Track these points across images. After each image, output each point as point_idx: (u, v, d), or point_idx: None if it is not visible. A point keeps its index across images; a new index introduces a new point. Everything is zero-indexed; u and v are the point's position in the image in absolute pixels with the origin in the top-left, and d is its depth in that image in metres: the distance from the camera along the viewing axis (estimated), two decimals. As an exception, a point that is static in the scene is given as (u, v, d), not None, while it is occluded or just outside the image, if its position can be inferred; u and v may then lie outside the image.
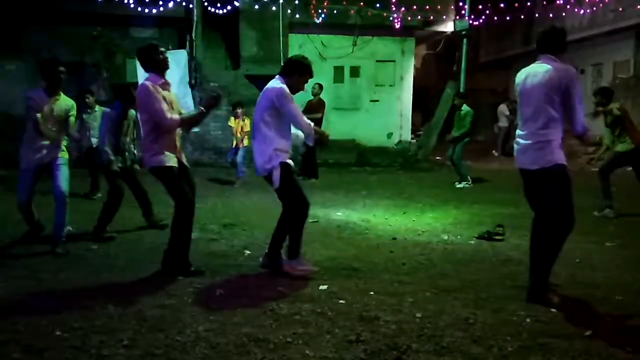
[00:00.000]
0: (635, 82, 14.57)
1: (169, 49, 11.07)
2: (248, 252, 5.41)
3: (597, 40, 16.08)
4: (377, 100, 15.27)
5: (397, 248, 5.69)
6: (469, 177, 10.34)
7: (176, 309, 3.83)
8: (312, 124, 4.72)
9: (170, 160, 4.60)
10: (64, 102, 5.39)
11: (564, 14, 15.50)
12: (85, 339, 3.31)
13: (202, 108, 4.72)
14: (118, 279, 4.55)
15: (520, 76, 4.21)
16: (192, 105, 11.03)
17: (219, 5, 12.79)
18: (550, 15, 15.95)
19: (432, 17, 14.46)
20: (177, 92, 6.66)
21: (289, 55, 9.69)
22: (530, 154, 4.06)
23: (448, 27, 14.84)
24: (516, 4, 15.78)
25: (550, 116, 3.96)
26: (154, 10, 12.06)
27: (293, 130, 4.71)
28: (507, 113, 16.74)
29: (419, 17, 14.22)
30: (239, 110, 10.19)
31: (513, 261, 5.17)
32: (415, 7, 13.79)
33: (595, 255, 5.41)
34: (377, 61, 15.13)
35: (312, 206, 4.76)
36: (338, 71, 14.99)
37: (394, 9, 13.68)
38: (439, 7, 14.20)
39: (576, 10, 15.00)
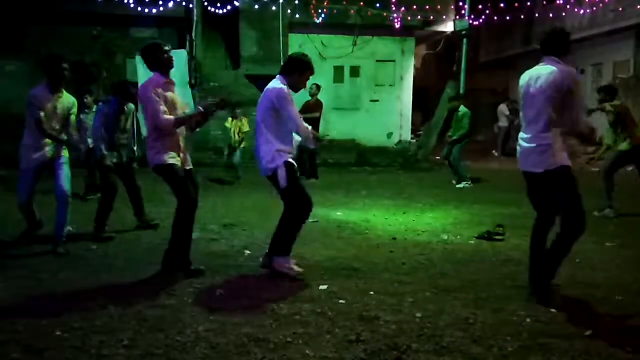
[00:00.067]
0: (635, 82, 14.56)
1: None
2: (248, 252, 5.41)
3: (597, 40, 16.07)
4: (377, 100, 15.27)
5: (397, 248, 5.69)
6: (468, 177, 10.33)
7: (176, 309, 3.83)
8: (310, 127, 4.74)
9: (173, 158, 4.61)
10: (66, 99, 5.34)
11: (564, 14, 15.51)
12: (85, 339, 3.31)
13: (201, 108, 4.72)
14: (118, 279, 4.55)
15: (524, 78, 4.21)
16: (192, 105, 11.06)
17: (218, 5, 12.79)
18: (550, 15, 15.95)
19: (432, 17, 14.46)
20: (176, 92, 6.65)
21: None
22: (534, 157, 4.07)
23: (448, 27, 14.84)
24: (516, 4, 15.78)
25: (552, 118, 3.96)
26: (154, 10, 12.06)
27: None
28: (507, 113, 16.74)
29: (419, 17, 14.22)
30: (237, 111, 10.19)
31: (513, 261, 5.17)
32: (415, 7, 13.79)
33: (595, 255, 5.41)
34: (377, 61, 15.13)
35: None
36: (338, 71, 14.99)
37: (393, 8, 13.68)
38: (438, 7, 14.20)
39: (576, 10, 15.00)
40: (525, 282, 4.33)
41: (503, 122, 16.87)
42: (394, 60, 15.23)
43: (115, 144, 6.15)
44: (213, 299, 4.10)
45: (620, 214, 7.33)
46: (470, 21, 14.35)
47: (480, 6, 14.88)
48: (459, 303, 4.03)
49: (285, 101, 4.48)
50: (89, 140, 8.21)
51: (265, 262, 4.76)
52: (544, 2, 16.49)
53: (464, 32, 14.51)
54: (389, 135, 15.28)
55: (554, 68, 4.00)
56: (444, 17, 14.66)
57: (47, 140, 5.23)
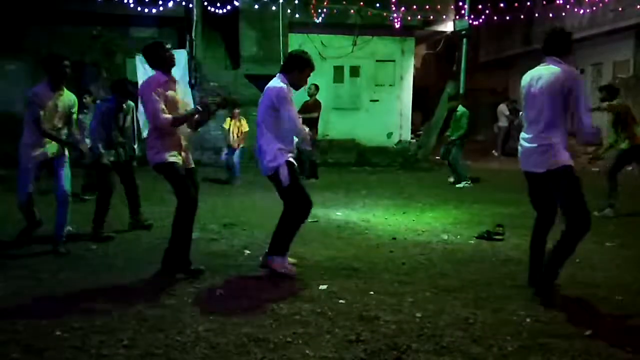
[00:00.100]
0: (635, 82, 14.55)
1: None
2: (248, 252, 5.41)
3: (597, 40, 16.06)
4: (377, 100, 15.25)
5: (397, 248, 5.69)
6: (467, 177, 10.33)
7: (176, 309, 3.83)
8: (307, 128, 4.75)
9: (174, 157, 4.60)
10: (67, 97, 5.32)
11: (563, 14, 15.50)
12: (85, 339, 3.31)
13: (199, 107, 4.72)
14: (117, 279, 4.55)
15: (526, 79, 4.21)
16: (192, 105, 11.04)
17: (218, 5, 12.78)
18: (550, 15, 15.94)
19: (432, 17, 14.45)
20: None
21: (289, 54, 9.68)
22: (535, 157, 4.07)
23: (448, 26, 14.83)
24: (516, 4, 15.77)
25: (553, 118, 3.96)
26: (154, 10, 12.06)
27: None
28: (507, 113, 16.74)
29: (419, 16, 14.20)
30: (236, 111, 10.17)
31: (513, 261, 5.17)
32: (415, 7, 13.77)
33: (595, 255, 5.41)
34: (377, 61, 15.11)
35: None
36: (338, 71, 14.97)
37: (393, 8, 13.66)
38: (438, 7, 14.19)
39: (576, 10, 14.99)
40: (525, 281, 4.33)
41: (503, 122, 16.88)
42: (394, 60, 15.21)
43: (113, 142, 6.12)
44: (213, 299, 4.10)
45: (620, 214, 7.33)
46: (470, 21, 14.34)
47: (480, 6, 14.87)
48: (459, 303, 4.03)
49: (285, 100, 4.48)
50: (87, 140, 8.21)
51: (265, 262, 4.77)
52: (544, 2, 16.49)
53: (463, 32, 14.51)
54: (389, 135, 15.26)
55: (555, 68, 4.01)
56: (444, 17, 14.64)
57: (47, 139, 5.21)
